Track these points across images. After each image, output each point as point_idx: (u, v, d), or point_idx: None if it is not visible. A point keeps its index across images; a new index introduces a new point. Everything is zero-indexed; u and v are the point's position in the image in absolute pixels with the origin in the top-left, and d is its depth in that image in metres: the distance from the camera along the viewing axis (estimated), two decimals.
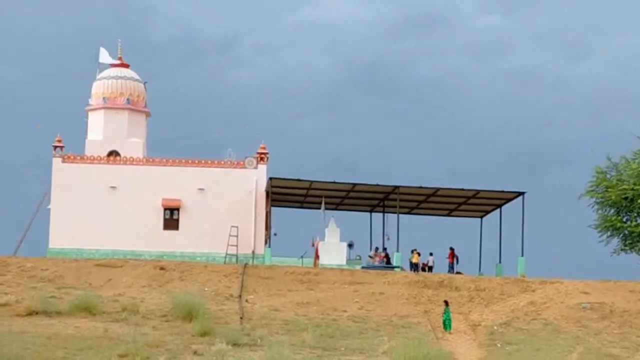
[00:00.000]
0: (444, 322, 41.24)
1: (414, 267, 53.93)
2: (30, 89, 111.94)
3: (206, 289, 42.93)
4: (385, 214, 61.54)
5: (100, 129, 60.64)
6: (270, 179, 55.90)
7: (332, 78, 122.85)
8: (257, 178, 57.44)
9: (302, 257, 56.25)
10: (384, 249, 58.72)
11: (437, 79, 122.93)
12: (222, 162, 58.19)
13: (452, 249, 56.88)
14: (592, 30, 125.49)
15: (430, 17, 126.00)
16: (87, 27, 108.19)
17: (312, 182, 56.13)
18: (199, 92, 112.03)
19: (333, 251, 55.65)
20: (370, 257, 57.68)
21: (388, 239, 59.15)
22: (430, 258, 55.48)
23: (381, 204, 60.81)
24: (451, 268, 55.70)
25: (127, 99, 60.99)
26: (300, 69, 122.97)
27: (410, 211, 61.57)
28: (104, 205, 56.18)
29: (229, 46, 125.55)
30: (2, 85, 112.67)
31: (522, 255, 55.81)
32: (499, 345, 37.65)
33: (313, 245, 56.34)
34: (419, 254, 55.25)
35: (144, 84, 62.49)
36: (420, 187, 56.90)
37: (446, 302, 42.53)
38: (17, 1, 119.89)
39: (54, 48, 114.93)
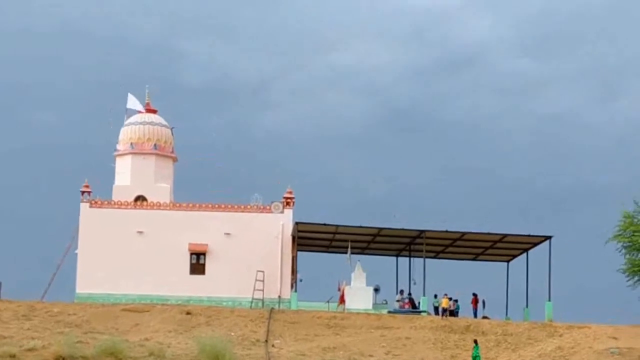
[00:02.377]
0: (474, 359, 41.66)
1: (444, 311, 53.78)
2: (60, 133, 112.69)
3: (232, 334, 42.99)
4: (412, 258, 61.39)
5: (127, 174, 60.94)
6: (297, 223, 56.00)
7: (362, 121, 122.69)
8: (283, 222, 57.66)
9: (328, 301, 56.04)
10: (409, 293, 58.72)
11: (467, 121, 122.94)
12: (249, 207, 58.42)
13: (475, 295, 56.80)
14: (622, 72, 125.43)
15: (461, 60, 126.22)
16: (117, 72, 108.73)
17: (338, 226, 56.24)
18: (228, 136, 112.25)
19: (359, 295, 55.58)
20: (398, 300, 57.66)
21: (414, 283, 58.99)
22: (453, 303, 55.40)
23: (407, 248, 60.68)
24: (475, 314, 55.68)
25: (155, 145, 61.25)
26: (330, 112, 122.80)
27: (436, 255, 61.54)
28: (131, 250, 56.47)
29: (259, 90, 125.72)
30: (33, 128, 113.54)
31: (550, 300, 55.61)
32: None
33: (339, 289, 56.32)
34: (450, 299, 55.19)
35: (172, 129, 62.88)
36: (447, 232, 56.93)
37: (475, 341, 43.01)
38: (46, 45, 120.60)
39: (83, 93, 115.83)
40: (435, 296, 56.09)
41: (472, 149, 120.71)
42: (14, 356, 37.41)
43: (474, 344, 42.88)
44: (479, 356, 41.93)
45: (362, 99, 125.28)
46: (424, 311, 54.42)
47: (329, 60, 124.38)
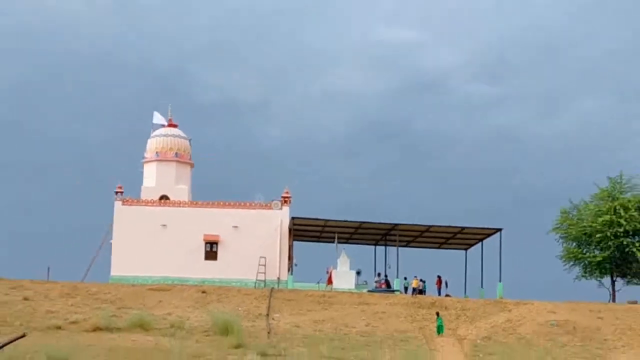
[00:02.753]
0: (438, 328, 41.55)
1: (414, 290, 53.63)
2: (98, 144, 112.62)
3: (240, 309, 42.82)
4: (387, 247, 61.29)
5: (153, 178, 60.85)
6: (293, 218, 56.07)
7: (346, 132, 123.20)
8: (281, 217, 57.37)
9: (318, 282, 55.97)
10: (385, 276, 58.44)
11: (432, 131, 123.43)
12: (253, 204, 58.21)
13: (439, 277, 56.62)
14: (560, 94, 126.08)
15: (425, 83, 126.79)
16: (143, 94, 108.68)
17: (327, 220, 56.14)
18: (235, 146, 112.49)
19: (344, 277, 55.45)
20: (376, 281, 57.44)
21: (389, 267, 59.05)
22: (421, 283, 55.22)
23: (383, 238, 60.53)
24: (439, 292, 55.36)
25: (176, 153, 61.22)
26: (320, 125, 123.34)
27: (407, 244, 61.22)
28: (156, 240, 56.27)
29: (261, 107, 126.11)
30: (71, 141, 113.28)
31: (500, 281, 55.45)
32: (481, 356, 37.35)
33: (327, 272, 56.16)
34: (420, 280, 54.99)
35: (189, 140, 62.73)
36: (415, 225, 57.06)
37: (437, 314, 43.14)
38: (82, 72, 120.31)
39: (116, 111, 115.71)
40: (405, 278, 56.17)
41: (437, 155, 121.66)
42: (59, 327, 37.35)
43: (437, 316, 42.80)
44: (442, 325, 41.71)
45: (346, 114, 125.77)
46: (397, 290, 54.27)
47: (319, 83, 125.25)
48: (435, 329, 41.74)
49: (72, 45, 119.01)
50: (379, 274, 59.21)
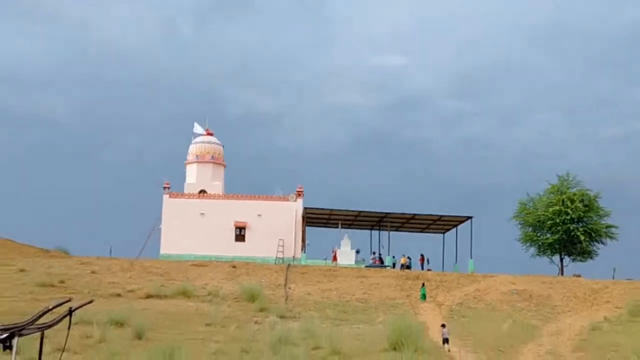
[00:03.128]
0: (422, 295, 41.82)
1: (402, 266, 53.68)
2: (151, 149, 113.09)
3: (263, 281, 42.91)
4: (380, 231, 61.40)
5: (194, 176, 61.00)
6: (305, 208, 56.14)
7: (345, 141, 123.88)
8: (296, 207, 57.48)
9: (325, 259, 56.07)
10: (380, 254, 58.53)
11: (416, 140, 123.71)
12: (273, 197, 58.35)
13: (422, 255, 56.77)
14: (518, 109, 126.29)
15: (410, 100, 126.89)
16: (186, 108, 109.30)
17: (332, 210, 56.26)
18: (258, 151, 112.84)
19: (346, 255, 55.61)
20: (372, 259, 57.47)
21: (382, 247, 59.12)
22: (408, 260, 55.29)
23: (377, 224, 60.60)
24: (423, 267, 55.43)
25: (212, 156, 61.41)
26: (324, 135, 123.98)
27: (396, 229, 61.22)
28: (196, 225, 56.47)
29: (278, 120, 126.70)
30: (131, 146, 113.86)
31: (471, 258, 55.58)
32: (455, 318, 37.38)
33: (333, 252, 56.27)
34: (407, 258, 55.06)
35: (222, 146, 62.92)
36: (403, 214, 57.02)
37: (423, 284, 43.40)
38: (143, 92, 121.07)
39: (164, 122, 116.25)
40: (394, 257, 56.05)
41: (420, 159, 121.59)
42: (119, 295, 37.41)
43: (422, 286, 42.98)
44: (425, 294, 41.92)
45: (345, 127, 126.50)
46: (388, 266, 54.25)
47: (322, 101, 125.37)
48: (419, 296, 41.89)
49: (131, 72, 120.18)
50: (373, 253, 59.31)
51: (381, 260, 56.58)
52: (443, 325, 27.66)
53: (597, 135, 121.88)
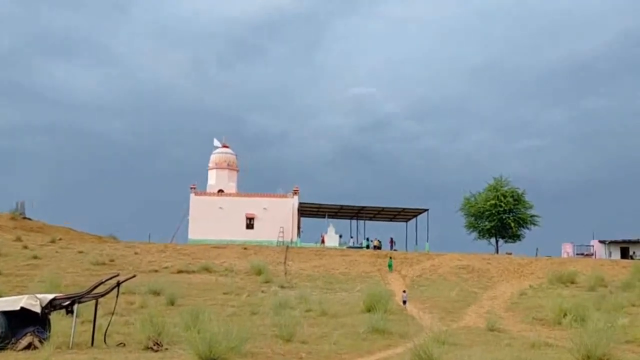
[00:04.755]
0: (389, 266, 42.12)
1: (374, 247, 53.56)
2: (181, 161, 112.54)
3: (268, 259, 42.75)
4: (358, 220, 61.29)
5: (214, 179, 60.66)
6: (300, 203, 56.07)
7: (333, 152, 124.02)
8: (293, 202, 57.31)
9: (316, 242, 55.96)
10: (367, 239, 58.44)
11: (387, 153, 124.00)
12: (276, 195, 58.22)
13: (391, 238, 56.77)
14: (460, 129, 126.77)
15: (380, 122, 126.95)
16: (206, 128, 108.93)
17: (320, 204, 56.15)
18: (266, 161, 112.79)
19: (331, 239, 55.47)
20: (365, 243, 56.83)
21: (360, 233, 59.13)
22: (379, 242, 55.17)
23: (356, 215, 60.48)
24: (391, 248, 55.37)
25: (227, 164, 61.11)
26: (316, 149, 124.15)
27: (371, 218, 61.25)
28: (216, 217, 56.17)
29: (281, 137, 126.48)
30: (170, 159, 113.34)
31: (427, 241, 55.60)
32: (416, 287, 37.32)
33: (321, 236, 56.13)
34: (379, 241, 54.95)
35: (236, 156, 62.69)
36: (375, 207, 57.01)
37: (390, 257, 43.69)
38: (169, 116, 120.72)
39: (191, 140, 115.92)
40: (367, 239, 55.75)
41: (389, 165, 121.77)
42: (156, 271, 37.08)
43: (389, 259, 43.29)
44: (391, 265, 42.27)
45: (331, 142, 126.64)
46: (364, 247, 54.10)
47: (315, 122, 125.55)
48: (387, 266, 42.15)
49: (172, 104, 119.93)
50: (351, 237, 59.28)
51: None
52: (404, 291, 28.02)
53: (520, 146, 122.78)
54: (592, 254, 56.82)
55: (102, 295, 14.84)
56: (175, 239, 55.31)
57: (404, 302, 26.22)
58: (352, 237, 58.92)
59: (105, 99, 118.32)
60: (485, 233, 57.46)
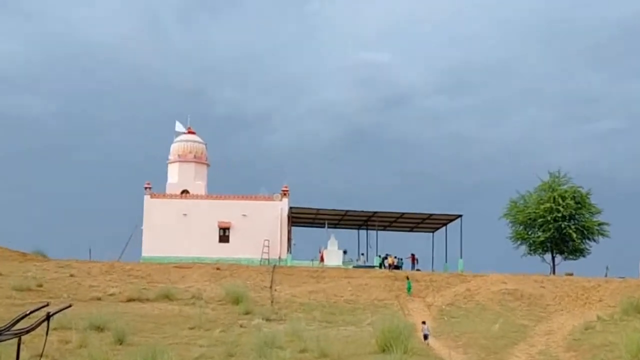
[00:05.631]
0: (407, 289, 42.54)
1: (390, 266, 53.70)
2: (132, 150, 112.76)
3: (248, 282, 42.74)
4: (368, 231, 61.41)
5: (176, 176, 60.77)
6: (291, 207, 56.04)
7: (332, 139, 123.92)
8: (282, 207, 57.32)
9: (312, 260, 55.96)
10: (361, 254, 58.50)
11: (403, 138, 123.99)
12: (258, 197, 58.18)
13: (412, 255, 56.75)
14: (503, 107, 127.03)
15: (397, 97, 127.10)
16: (168, 108, 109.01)
17: (318, 209, 56.11)
18: (243, 150, 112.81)
19: (333, 256, 55.54)
20: (375, 261, 57.14)
21: (370, 247, 59.19)
22: (396, 260, 55.25)
23: (365, 223, 60.57)
24: (413, 267, 55.45)
25: (194, 155, 61.14)
26: (311, 133, 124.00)
27: (384, 228, 61.29)
28: (179, 226, 56.28)
29: (264, 119, 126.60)
30: (111, 146, 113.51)
31: (461, 258, 55.63)
32: (445, 318, 37.45)
33: (319, 252, 56.21)
34: (395, 257, 55.09)
35: (205, 145, 62.63)
36: (391, 212, 57.04)
37: (407, 277, 44.02)
38: (124, 90, 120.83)
39: (144, 122, 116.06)
40: (380, 256, 55.85)
41: (408, 157, 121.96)
42: (100, 299, 37.20)
43: (407, 279, 43.55)
44: (410, 288, 42.74)
45: (332, 125, 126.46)
46: (376, 266, 54.22)
47: (311, 98, 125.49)
48: (406, 290, 42.56)
49: (111, 70, 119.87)
50: (362, 254, 59.27)
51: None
52: (423, 322, 28.26)
53: (585, 131, 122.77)
54: None
55: (27, 332, 14.78)
56: (125, 257, 55.33)
57: (425, 336, 26.47)
58: (362, 255, 59.06)
59: (19, 67, 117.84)
60: (538, 247, 57.54)
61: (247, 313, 34.48)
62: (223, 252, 55.48)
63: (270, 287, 42.65)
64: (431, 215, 57.43)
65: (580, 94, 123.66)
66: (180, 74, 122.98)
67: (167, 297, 37.79)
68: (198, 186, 60.09)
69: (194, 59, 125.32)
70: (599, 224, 57.43)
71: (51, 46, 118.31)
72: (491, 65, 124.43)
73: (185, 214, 56.79)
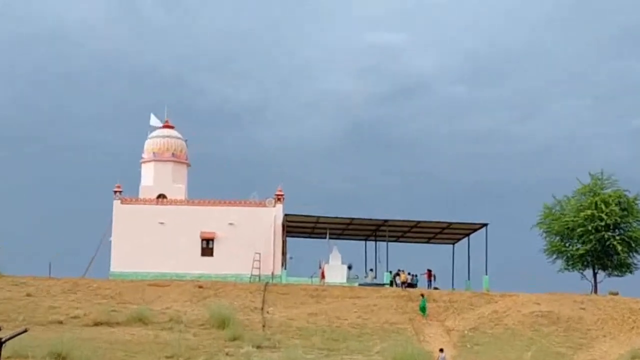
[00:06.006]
0: (421, 308, 42.71)
1: (403, 284, 53.54)
2: (98, 146, 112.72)
3: (235, 303, 42.71)
4: (377, 242, 61.22)
5: (151, 177, 60.68)
6: (286, 214, 55.91)
7: (335, 136, 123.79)
8: (275, 214, 57.26)
9: (311, 276, 55.71)
10: (371, 269, 58.44)
11: (416, 135, 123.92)
12: (248, 202, 58.13)
13: (429, 270, 56.52)
14: (536, 96, 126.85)
15: (410, 87, 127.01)
16: (142, 99, 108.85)
17: (319, 217, 56.08)
18: (231, 148, 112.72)
19: (336, 272, 55.35)
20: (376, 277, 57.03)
21: (380, 262, 58.93)
22: (409, 277, 55.12)
23: (373, 234, 60.42)
24: (429, 285, 55.35)
25: (172, 154, 61.10)
26: (310, 129, 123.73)
27: (397, 239, 61.04)
28: (154, 237, 56.18)
29: (257, 112, 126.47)
30: (76, 141, 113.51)
31: (486, 274, 55.32)
32: (468, 346, 37.43)
33: (320, 267, 56.08)
34: (409, 274, 54.99)
35: (185, 141, 62.55)
36: (405, 221, 56.96)
37: (422, 295, 44.24)
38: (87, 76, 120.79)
39: (113, 114, 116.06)
40: (390, 272, 55.57)
41: (423, 156, 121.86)
42: (61, 322, 37.27)
43: (422, 298, 43.75)
44: (425, 307, 42.85)
45: (334, 119, 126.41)
46: (387, 284, 54.08)
47: (310, 89, 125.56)
48: (419, 309, 42.80)
49: (76, 53, 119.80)
50: (371, 270, 59.12)
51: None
52: (441, 350, 28.35)
53: (629, 126, 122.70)
54: None
55: None
56: (91, 273, 55.15)
57: None
58: (371, 270, 58.90)
59: None
60: (576, 261, 57.37)
61: (234, 339, 34.48)
62: (206, 267, 55.41)
63: (262, 308, 42.55)
64: (451, 224, 57.32)
65: (629, 82, 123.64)
66: (158, 59, 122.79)
67: (141, 320, 37.74)
68: (177, 190, 59.97)
69: (175, 42, 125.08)
70: None
71: (13, 26, 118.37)
72: (520, 50, 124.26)
73: (161, 223, 56.69)
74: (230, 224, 56.96)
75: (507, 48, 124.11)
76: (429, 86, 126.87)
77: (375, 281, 55.78)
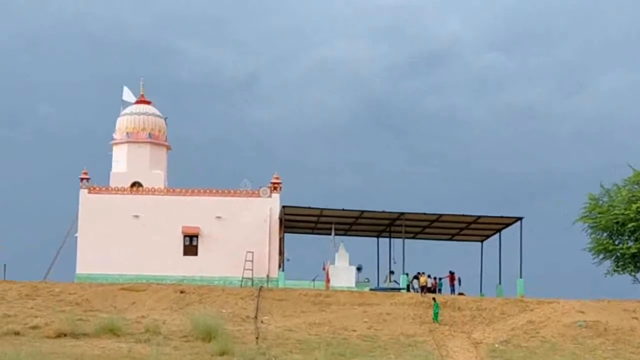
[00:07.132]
0: (434, 314, 43.29)
1: (423, 289, 53.57)
2: (60, 125, 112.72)
3: (224, 311, 42.81)
4: (391, 239, 61.45)
5: (124, 162, 60.68)
6: (284, 207, 55.96)
7: (343, 114, 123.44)
8: (271, 206, 57.33)
9: (314, 280, 55.94)
10: (391, 272, 58.57)
11: (441, 113, 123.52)
12: (238, 192, 58.15)
13: (451, 273, 56.68)
14: (586, 68, 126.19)
15: (435, 55, 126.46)
16: (111, 67, 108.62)
17: (322, 209, 56.13)
18: (219, 127, 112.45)
19: (343, 274, 55.54)
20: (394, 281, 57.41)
21: (395, 262, 59.10)
22: (430, 280, 55.13)
23: (387, 229, 60.57)
24: (452, 290, 55.42)
25: (149, 134, 61.03)
26: (314, 105, 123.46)
27: (414, 236, 61.30)
28: (128, 233, 56.28)
29: (249, 85, 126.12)
30: (35, 120, 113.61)
31: (521, 277, 55.51)
32: None
33: (324, 269, 56.14)
34: (429, 277, 54.95)
35: (165, 119, 62.49)
36: (424, 214, 56.85)
37: (434, 299, 44.80)
38: (46, 41, 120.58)
39: (80, 87, 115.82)
40: (407, 275, 55.69)
41: (445, 137, 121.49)
42: (18, 333, 37.33)
43: (433, 301, 44.26)
44: (437, 313, 43.45)
45: (343, 93, 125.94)
46: (404, 288, 54.17)
47: (312, 57, 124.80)
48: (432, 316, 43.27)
49: (39, 18, 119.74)
50: (391, 272, 59.22)
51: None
52: None
53: None
54: None
55: None
56: (53, 275, 55.24)
57: None
58: (391, 273, 59.06)
59: None
60: (628, 262, 57.44)
61: (222, 354, 34.64)
62: (189, 268, 55.60)
63: (255, 317, 42.68)
64: (479, 217, 57.40)
65: None
66: (133, 22, 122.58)
67: (112, 331, 37.78)
68: (155, 177, 60.07)
69: (153, 3, 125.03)
70: None
71: None
72: (567, 11, 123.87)
73: (136, 216, 56.82)
74: (218, 217, 57.09)
75: (550, 8, 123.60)
76: (456, 55, 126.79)
77: (390, 285, 55.95)
